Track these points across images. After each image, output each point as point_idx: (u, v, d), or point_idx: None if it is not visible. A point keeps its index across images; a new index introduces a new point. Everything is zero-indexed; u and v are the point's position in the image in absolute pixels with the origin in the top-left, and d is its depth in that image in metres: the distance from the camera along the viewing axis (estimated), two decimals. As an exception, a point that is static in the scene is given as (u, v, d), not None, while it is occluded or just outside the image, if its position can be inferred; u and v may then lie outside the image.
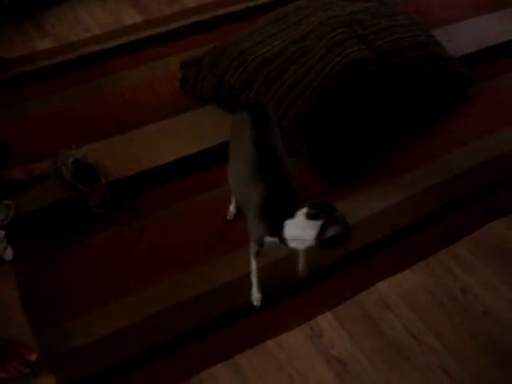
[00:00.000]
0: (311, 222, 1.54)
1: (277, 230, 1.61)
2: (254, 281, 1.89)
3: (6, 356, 1.72)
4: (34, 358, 1.73)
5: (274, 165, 1.71)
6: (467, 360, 1.80)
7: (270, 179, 1.67)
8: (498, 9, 3.14)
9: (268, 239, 1.69)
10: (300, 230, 1.57)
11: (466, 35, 2.95)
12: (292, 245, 1.64)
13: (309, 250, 1.75)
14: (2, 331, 1.79)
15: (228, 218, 2.13)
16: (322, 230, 1.53)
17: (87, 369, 1.75)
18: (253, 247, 1.79)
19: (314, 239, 1.55)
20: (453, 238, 2.12)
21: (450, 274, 2.02)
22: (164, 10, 3.01)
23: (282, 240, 1.62)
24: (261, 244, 1.74)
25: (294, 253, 1.88)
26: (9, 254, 2.00)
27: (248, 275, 1.90)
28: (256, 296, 1.91)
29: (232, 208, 2.12)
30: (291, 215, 1.58)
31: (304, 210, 1.56)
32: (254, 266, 1.86)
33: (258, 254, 1.81)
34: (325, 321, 1.88)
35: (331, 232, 1.54)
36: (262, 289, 1.91)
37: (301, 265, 1.96)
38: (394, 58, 2.32)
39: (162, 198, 2.21)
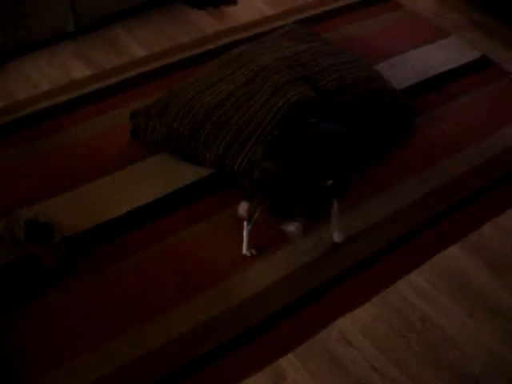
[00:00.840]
0: None
1: None
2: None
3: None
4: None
5: None
6: (429, 389, 1.82)
7: None
8: (439, 38, 3.23)
9: None
10: None
11: (410, 66, 3.02)
12: None
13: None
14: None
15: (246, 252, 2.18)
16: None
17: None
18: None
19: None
20: (409, 267, 2.15)
21: (408, 304, 2.04)
22: (112, 62, 3.03)
23: None
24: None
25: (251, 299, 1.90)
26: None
27: (207, 323, 1.92)
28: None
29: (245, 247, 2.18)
30: None
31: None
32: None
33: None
34: (287, 362, 1.88)
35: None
36: (223, 334, 1.92)
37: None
38: (337, 96, 2.37)
39: (121, 249, 2.19)
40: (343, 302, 2.04)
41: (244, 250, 2.16)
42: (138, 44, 3.15)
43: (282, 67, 2.42)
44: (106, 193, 2.38)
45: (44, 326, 1.97)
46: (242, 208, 1.99)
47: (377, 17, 3.38)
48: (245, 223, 2.10)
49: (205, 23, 3.30)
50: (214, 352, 1.90)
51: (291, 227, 1.94)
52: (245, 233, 2.13)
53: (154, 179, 2.43)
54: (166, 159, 2.49)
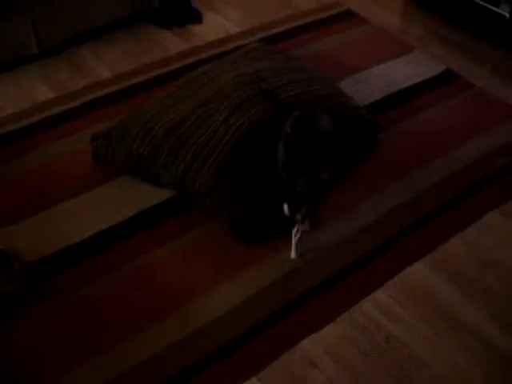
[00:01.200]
0: None
1: None
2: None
3: None
4: None
5: None
6: (394, 409, 1.81)
7: None
8: (404, 53, 3.25)
9: None
10: None
11: (374, 82, 3.03)
12: None
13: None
14: None
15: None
16: None
17: None
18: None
19: None
20: (374, 285, 2.14)
21: (373, 323, 2.03)
22: (77, 83, 3.01)
23: None
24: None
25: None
26: None
27: (172, 346, 1.93)
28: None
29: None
30: None
31: None
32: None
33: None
34: (251, 386, 1.86)
35: None
36: (187, 358, 1.90)
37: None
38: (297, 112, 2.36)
39: (87, 272, 2.16)
40: (307, 322, 2.02)
41: (292, 256, 2.19)
42: (103, 65, 3.14)
43: (242, 84, 2.41)
44: (71, 216, 2.35)
45: (11, 352, 1.93)
46: (285, 209, 2.08)
47: (342, 32, 3.40)
48: (294, 228, 2.13)
49: (170, 43, 3.30)
50: (177, 377, 1.87)
51: (306, 226, 2.11)
52: (294, 236, 2.14)
53: (119, 201, 2.41)
54: (129, 181, 2.47)
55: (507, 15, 3.31)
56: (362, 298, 2.10)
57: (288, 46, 3.22)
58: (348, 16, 3.54)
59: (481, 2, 3.39)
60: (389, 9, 3.65)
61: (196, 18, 3.47)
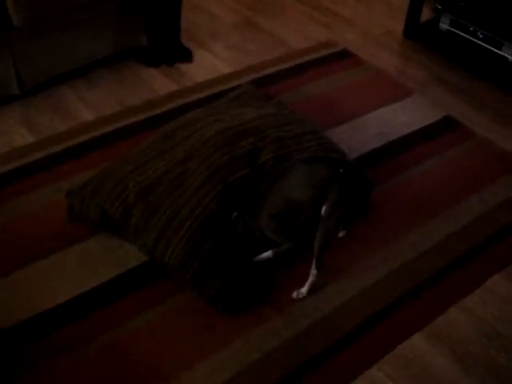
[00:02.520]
0: None
1: None
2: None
3: None
4: None
5: None
6: None
7: None
8: (402, 97, 3.11)
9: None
10: None
11: (371, 129, 2.89)
12: None
13: None
14: None
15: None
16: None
17: None
18: None
19: None
20: (369, 361, 1.98)
21: (368, 407, 1.87)
22: (57, 127, 2.86)
23: None
24: None
25: None
26: None
27: None
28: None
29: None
30: None
31: None
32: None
33: None
34: None
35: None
36: None
37: None
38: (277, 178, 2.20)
39: (57, 345, 1.99)
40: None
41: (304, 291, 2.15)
42: (85, 107, 2.98)
43: (224, 143, 2.27)
44: (41, 280, 2.18)
45: None
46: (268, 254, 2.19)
47: (338, 73, 3.26)
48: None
49: (158, 83, 3.15)
50: None
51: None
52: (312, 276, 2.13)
53: (96, 262, 2.24)
54: (107, 239, 2.30)
55: (510, 58, 3.18)
56: (357, 375, 1.94)
57: (280, 89, 3.08)
58: (344, 56, 3.41)
59: (483, 44, 3.27)
60: (387, 49, 3.51)
61: (186, 56, 3.33)
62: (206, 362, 1.95)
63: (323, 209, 2.04)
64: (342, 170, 2.06)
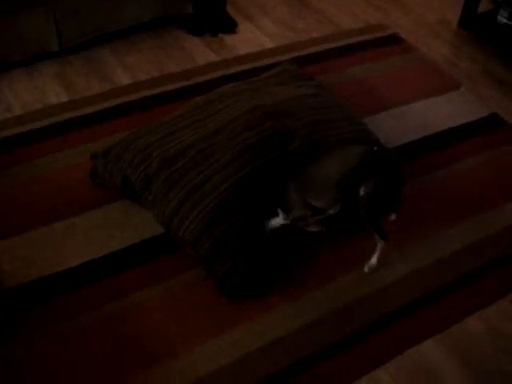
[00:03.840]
0: None
1: None
2: None
3: None
4: None
5: None
6: None
7: None
8: (448, 90, 2.98)
9: None
10: None
11: (412, 120, 2.77)
12: None
13: None
14: None
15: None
16: None
17: None
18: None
19: None
20: (374, 362, 1.91)
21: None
22: (93, 88, 2.83)
23: None
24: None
25: None
26: None
27: None
28: None
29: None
30: None
31: None
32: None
33: None
34: None
35: None
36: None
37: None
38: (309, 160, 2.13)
39: (65, 308, 1.98)
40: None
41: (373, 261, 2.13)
42: (123, 70, 2.95)
43: (255, 122, 2.18)
44: (57, 241, 2.18)
45: None
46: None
47: (384, 59, 3.14)
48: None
49: (198, 52, 3.09)
50: None
51: None
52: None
53: (111, 230, 2.22)
54: (126, 207, 2.28)
55: None
56: (360, 376, 1.87)
57: (322, 70, 2.98)
58: (393, 41, 3.28)
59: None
60: (439, 37, 3.37)
61: (230, 27, 3.25)
62: (208, 344, 1.91)
63: (361, 189, 1.98)
64: (375, 148, 2.03)
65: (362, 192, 1.98)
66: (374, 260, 2.11)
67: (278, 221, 2.10)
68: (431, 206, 2.40)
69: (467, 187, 2.49)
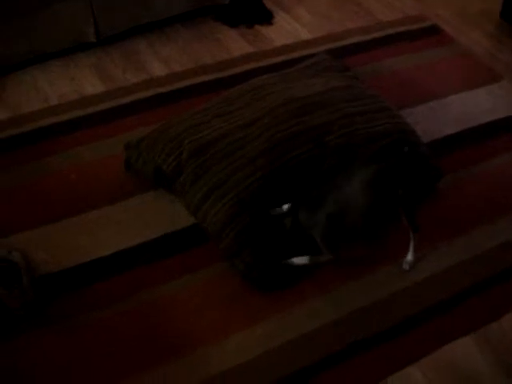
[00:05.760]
0: None
1: None
2: None
3: None
4: None
5: None
6: None
7: None
8: (488, 83, 2.90)
9: None
10: None
11: (450, 113, 2.72)
12: None
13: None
14: None
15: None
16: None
17: None
18: None
19: None
20: (407, 359, 1.88)
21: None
22: (129, 79, 2.85)
23: None
24: None
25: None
26: None
27: None
28: None
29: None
30: None
31: None
32: None
33: None
34: None
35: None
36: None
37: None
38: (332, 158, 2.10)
39: (97, 297, 2.00)
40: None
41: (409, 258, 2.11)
42: (158, 61, 2.96)
43: (289, 116, 2.16)
44: (91, 230, 2.20)
45: (9, 369, 1.81)
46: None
47: (422, 51, 3.08)
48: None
49: (234, 44, 3.08)
50: None
51: None
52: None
53: (145, 219, 2.23)
54: (160, 197, 2.29)
55: None
56: (391, 372, 1.84)
57: (359, 61, 2.94)
58: (433, 32, 3.21)
59: None
60: (480, 29, 3.28)
61: (267, 18, 3.23)
62: (237, 337, 1.90)
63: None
64: (406, 149, 1.99)
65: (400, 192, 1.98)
66: (410, 256, 2.08)
67: (301, 260, 2.04)
68: (468, 201, 2.35)
69: (505, 184, 2.43)
